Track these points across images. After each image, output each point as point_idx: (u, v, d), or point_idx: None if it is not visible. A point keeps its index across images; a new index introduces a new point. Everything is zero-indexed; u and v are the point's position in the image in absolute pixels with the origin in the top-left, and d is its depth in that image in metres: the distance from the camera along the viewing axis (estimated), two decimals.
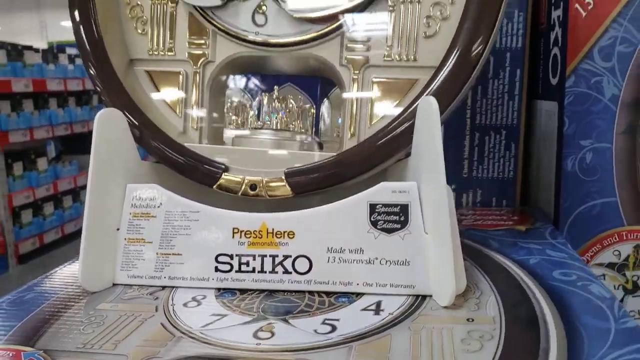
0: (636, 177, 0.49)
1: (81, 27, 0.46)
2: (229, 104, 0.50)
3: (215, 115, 0.49)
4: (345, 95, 0.45)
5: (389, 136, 0.40)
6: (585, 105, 0.49)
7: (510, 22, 0.56)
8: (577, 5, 0.48)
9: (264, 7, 0.46)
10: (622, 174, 0.49)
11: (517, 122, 0.57)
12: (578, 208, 0.50)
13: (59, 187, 3.48)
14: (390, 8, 0.43)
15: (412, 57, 0.43)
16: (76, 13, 0.46)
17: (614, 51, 0.48)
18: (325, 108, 0.51)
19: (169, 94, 0.48)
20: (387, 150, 0.40)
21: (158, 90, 0.48)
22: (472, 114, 0.58)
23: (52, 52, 3.69)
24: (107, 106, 0.45)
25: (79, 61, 3.88)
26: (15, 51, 3.31)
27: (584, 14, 0.48)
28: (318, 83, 0.50)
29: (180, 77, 0.48)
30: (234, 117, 0.50)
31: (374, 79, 0.44)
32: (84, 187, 3.79)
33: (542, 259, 0.43)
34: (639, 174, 0.50)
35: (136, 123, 0.45)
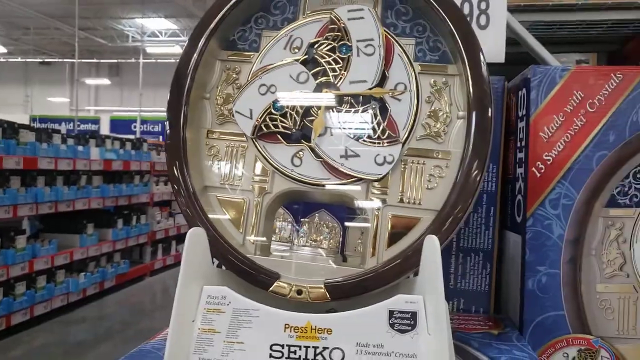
0: (577, 296, 0.66)
1: (174, 167, 0.61)
2: (277, 224, 0.65)
3: (267, 232, 0.64)
4: (368, 225, 0.61)
5: (402, 259, 0.56)
6: (540, 240, 0.67)
7: (487, 172, 0.74)
8: (533, 169, 0.67)
9: (300, 154, 0.63)
10: (568, 293, 0.66)
11: (492, 247, 0.74)
12: (536, 318, 0.66)
13: (35, 266, 3.47)
14: (402, 168, 0.61)
15: (418, 202, 0.60)
16: (171, 156, 0.62)
17: (559, 203, 0.66)
18: (349, 229, 0.67)
19: (234, 215, 0.63)
20: (400, 270, 0.56)
21: (226, 212, 0.63)
22: (457, 239, 0.75)
23: (47, 132, 3.81)
24: (188, 222, 0.60)
25: (70, 141, 4.02)
26: (11, 129, 3.42)
27: (538, 174, 0.67)
28: (345, 211, 0.66)
29: (244, 203, 0.63)
30: (281, 234, 0.65)
31: (390, 215, 0.60)
32: (61, 267, 3.77)
33: (509, 357, 0.57)
34: (580, 293, 0.66)
35: (210, 237, 0.59)
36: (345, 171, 0.60)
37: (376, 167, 0.60)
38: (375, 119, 0.61)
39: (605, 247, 0.66)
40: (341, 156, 0.61)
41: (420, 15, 0.63)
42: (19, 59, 12.51)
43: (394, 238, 0.60)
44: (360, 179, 0.60)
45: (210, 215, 0.61)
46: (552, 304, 0.66)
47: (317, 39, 0.64)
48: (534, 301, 0.66)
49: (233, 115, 0.65)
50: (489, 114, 0.57)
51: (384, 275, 0.56)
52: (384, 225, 0.60)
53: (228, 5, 0.65)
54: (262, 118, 0.63)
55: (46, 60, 12.40)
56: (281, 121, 0.63)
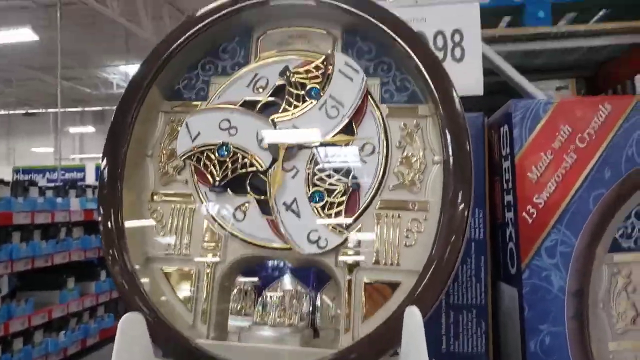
0: (587, 357, 0.57)
1: (108, 221, 0.53)
2: (234, 293, 0.57)
3: (222, 307, 0.55)
4: (340, 294, 0.52)
5: (380, 337, 0.47)
6: (539, 294, 0.58)
7: (473, 218, 0.66)
8: (524, 214, 0.59)
9: (245, 207, 0.55)
10: (577, 354, 0.57)
11: (485, 302, 0.66)
12: None
13: (11, 328, 3.29)
14: (376, 223, 0.53)
15: (396, 262, 0.52)
16: (101, 213, 0.53)
17: (556, 250, 0.58)
18: (320, 295, 0.58)
19: (182, 290, 0.54)
20: (378, 350, 0.47)
21: (172, 288, 0.54)
22: (446, 295, 0.66)
23: (22, 185, 3.71)
24: (125, 304, 0.51)
25: (49, 193, 3.91)
26: None
27: (530, 220, 0.59)
28: (314, 275, 0.58)
29: (193, 275, 0.54)
30: (238, 307, 0.56)
31: (365, 280, 0.52)
32: (38, 327, 3.59)
33: None
34: (590, 353, 0.57)
35: (151, 321, 0.50)
36: (279, 228, 0.52)
37: (306, 242, 0.52)
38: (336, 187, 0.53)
39: (614, 299, 0.58)
40: (284, 203, 0.53)
41: (384, 53, 0.56)
42: (2, 112, 12.44)
43: (370, 308, 0.51)
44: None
45: (152, 294, 0.53)
46: None
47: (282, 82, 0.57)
48: None
49: (179, 173, 0.57)
50: (468, 150, 0.50)
51: (359, 356, 0.47)
52: (358, 294, 0.51)
53: (169, 51, 0.57)
54: (203, 151, 0.55)
55: (30, 111, 12.34)
56: (220, 163, 0.55)
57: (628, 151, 0.58)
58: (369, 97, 0.55)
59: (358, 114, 0.54)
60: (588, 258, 0.58)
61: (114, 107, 0.56)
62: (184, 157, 0.56)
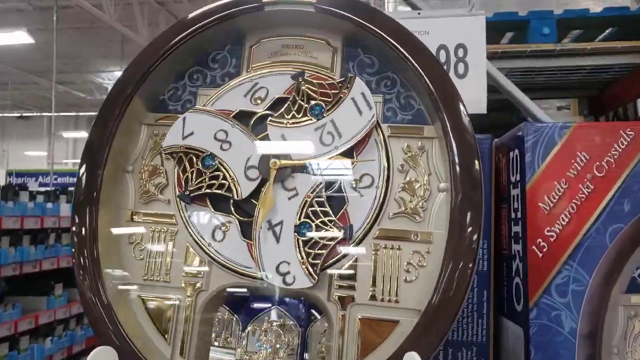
0: None
1: (79, 264, 0.48)
2: (217, 321, 0.51)
3: (203, 340, 0.50)
4: (332, 332, 0.47)
5: None
6: (548, 336, 0.54)
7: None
8: (534, 247, 0.55)
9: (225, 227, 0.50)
10: None
11: (487, 339, 0.61)
12: None
13: None
14: (374, 254, 0.48)
15: (395, 299, 0.47)
16: (77, 249, 0.48)
17: (568, 289, 0.54)
18: (310, 331, 0.53)
19: (161, 321, 0.49)
20: None
21: (150, 317, 0.49)
22: None
23: (13, 189, 3.64)
24: (97, 336, 0.46)
25: (40, 198, 3.84)
26: None
27: (540, 254, 0.54)
28: (304, 306, 0.53)
29: (173, 305, 0.49)
30: (221, 337, 0.51)
31: (360, 317, 0.47)
32: (24, 333, 3.50)
33: None
34: None
35: (125, 356, 0.45)
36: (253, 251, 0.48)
37: (274, 271, 0.48)
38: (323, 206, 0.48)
39: (630, 344, 0.53)
40: (269, 222, 0.48)
41: (388, 67, 0.52)
42: None
43: (365, 350, 0.46)
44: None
45: (127, 325, 0.47)
46: None
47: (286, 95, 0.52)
48: None
49: (161, 192, 0.52)
50: (477, 169, 0.46)
51: None
52: (352, 332, 0.47)
53: (157, 56, 0.53)
54: (188, 153, 0.51)
55: (24, 114, 12.26)
56: (198, 173, 0.50)
57: None
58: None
59: (359, 145, 0.50)
60: (602, 298, 0.54)
61: None
62: (168, 152, 0.51)
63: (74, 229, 0.49)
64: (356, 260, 0.48)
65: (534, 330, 0.54)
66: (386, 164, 0.49)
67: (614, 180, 0.54)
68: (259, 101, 0.53)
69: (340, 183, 0.49)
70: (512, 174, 0.59)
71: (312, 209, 0.48)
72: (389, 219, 0.48)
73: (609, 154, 0.55)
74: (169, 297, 0.49)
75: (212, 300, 0.50)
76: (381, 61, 0.52)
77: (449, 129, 0.46)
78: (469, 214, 0.44)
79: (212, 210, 0.50)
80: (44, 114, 11.84)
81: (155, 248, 0.51)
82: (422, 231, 0.48)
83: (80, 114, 12.27)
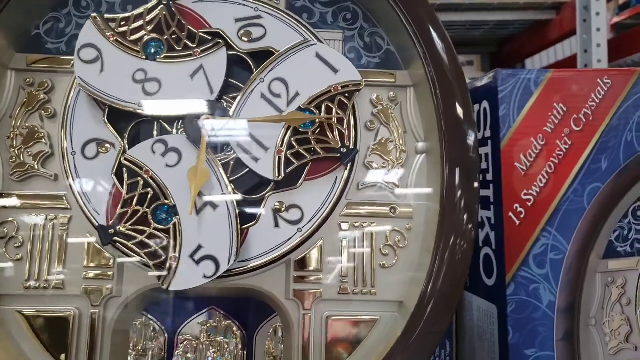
0: None
1: None
2: (134, 335, 0.39)
3: None
4: (292, 339, 0.37)
5: None
6: (526, 312, 0.48)
7: None
8: (510, 214, 0.48)
9: None
10: None
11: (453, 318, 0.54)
12: None
13: None
14: (341, 237, 0.38)
15: (370, 290, 0.37)
16: None
17: (546, 258, 0.48)
18: (259, 337, 0.42)
19: (53, 341, 0.35)
20: None
21: (37, 338, 0.35)
22: None
23: None
24: None
25: None
26: None
27: (517, 222, 0.48)
28: (250, 307, 0.41)
29: (70, 318, 0.36)
30: (140, 349, 0.38)
31: (327, 316, 0.37)
32: None
33: None
34: None
35: None
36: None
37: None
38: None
39: (607, 314, 0.49)
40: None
41: None
42: None
43: (337, 354, 0.36)
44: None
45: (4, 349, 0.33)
46: None
47: None
48: None
49: (42, 165, 0.37)
50: (473, 141, 0.37)
51: None
52: (319, 337, 0.37)
53: None
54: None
55: None
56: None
57: (627, 136, 0.49)
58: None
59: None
60: (581, 266, 0.48)
61: None
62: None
63: None
64: (320, 245, 0.37)
65: (512, 308, 0.48)
66: (353, 122, 0.39)
67: (592, 135, 0.49)
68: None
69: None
70: (481, 129, 0.51)
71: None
72: (358, 190, 0.38)
73: (587, 106, 0.49)
74: (65, 310, 0.36)
75: (127, 309, 0.37)
76: None
77: (435, 78, 0.37)
78: (462, 179, 0.36)
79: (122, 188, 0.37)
80: None
81: (40, 245, 0.36)
82: (400, 203, 0.38)
83: None
